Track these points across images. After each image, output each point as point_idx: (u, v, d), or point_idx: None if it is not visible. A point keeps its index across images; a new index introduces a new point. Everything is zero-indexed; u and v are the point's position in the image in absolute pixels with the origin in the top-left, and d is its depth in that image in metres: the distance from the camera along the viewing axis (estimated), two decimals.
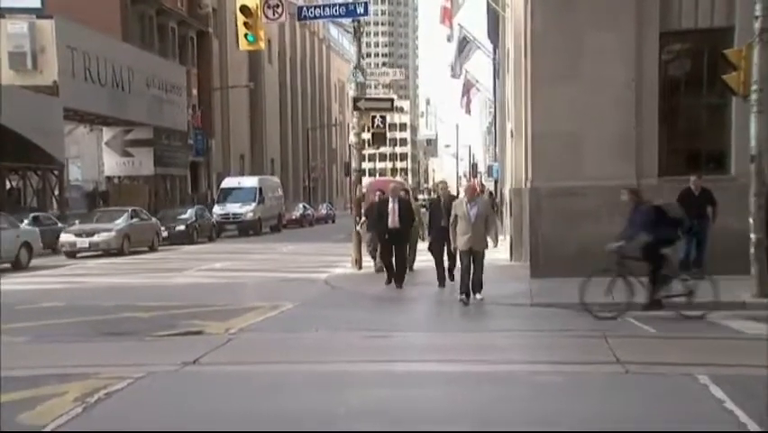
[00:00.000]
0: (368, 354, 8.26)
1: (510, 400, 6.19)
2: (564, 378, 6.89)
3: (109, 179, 37.76)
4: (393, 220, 13.48)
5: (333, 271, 16.90)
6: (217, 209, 34.97)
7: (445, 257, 13.27)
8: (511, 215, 18.92)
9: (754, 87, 10.88)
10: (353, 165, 21.80)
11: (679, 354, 7.74)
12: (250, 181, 38.02)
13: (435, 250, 13.33)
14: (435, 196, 16.35)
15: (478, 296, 11.56)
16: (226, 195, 36.07)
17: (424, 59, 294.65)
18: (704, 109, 14.10)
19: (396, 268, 13.50)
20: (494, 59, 36.08)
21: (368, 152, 58.88)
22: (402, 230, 13.56)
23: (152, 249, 25.65)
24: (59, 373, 7.03)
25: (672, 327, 9.39)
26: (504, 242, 20.20)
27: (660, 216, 10.16)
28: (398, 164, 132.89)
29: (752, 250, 10.93)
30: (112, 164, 37.49)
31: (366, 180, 23.07)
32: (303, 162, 68.69)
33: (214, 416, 5.81)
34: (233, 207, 34.95)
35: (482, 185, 53.74)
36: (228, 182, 38.16)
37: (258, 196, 35.70)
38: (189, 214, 30.27)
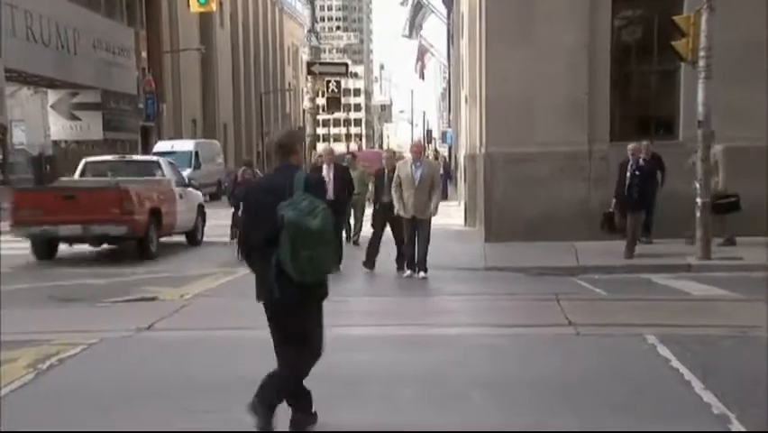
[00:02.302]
0: None
1: (460, 362, 6.27)
2: (516, 340, 7.00)
3: (56, 143, 36.74)
4: (328, 191, 12.04)
5: None
6: None
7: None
8: (465, 180, 19.05)
9: (701, 54, 11.06)
10: (307, 130, 21.63)
11: (628, 316, 7.94)
12: (184, 145, 34.62)
13: (378, 226, 11.54)
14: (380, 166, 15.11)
15: (421, 274, 10.60)
16: None
17: (378, 22, 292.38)
18: (654, 75, 14.33)
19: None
20: (448, 23, 35.98)
21: (322, 117, 58.43)
22: (337, 203, 11.10)
23: None
24: (10, 339, 6.89)
25: (621, 289, 9.62)
26: (459, 207, 20.39)
27: None
28: (353, 130, 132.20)
29: (698, 214, 11.22)
30: (58, 128, 36.41)
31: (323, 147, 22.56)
32: (256, 127, 67.77)
33: (169, 381, 5.79)
34: None
35: (437, 150, 53.91)
36: (160, 146, 34.85)
37: (194, 161, 33.02)
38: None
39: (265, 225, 4.20)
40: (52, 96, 36.03)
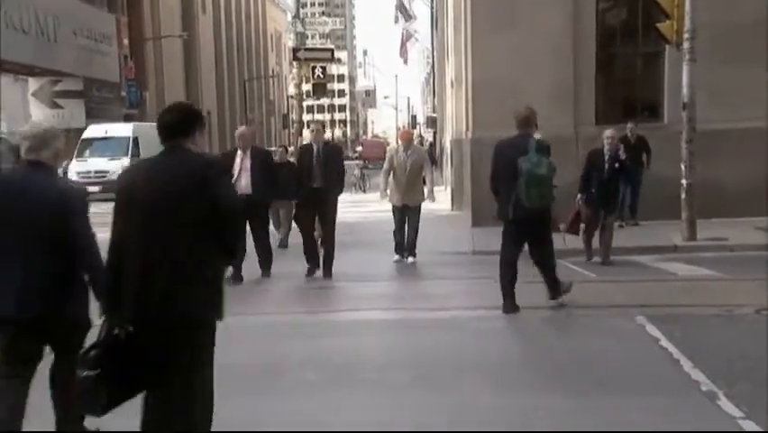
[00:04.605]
0: (310, 305, 8.31)
1: (450, 345, 6.32)
2: (507, 322, 7.06)
3: None
4: (244, 183, 9.21)
5: None
6: (76, 166, 26.75)
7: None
8: (452, 165, 19.06)
9: (686, 36, 11.10)
10: (293, 117, 21.60)
11: (617, 297, 7.99)
12: (121, 129, 29.57)
13: (302, 219, 9.94)
14: (307, 142, 11.72)
15: (410, 259, 10.61)
16: (88, 147, 28.33)
17: (360, 7, 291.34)
18: (639, 57, 14.37)
19: (259, 253, 9.67)
20: (432, 7, 35.91)
21: (306, 103, 58.28)
22: (258, 198, 9.27)
23: None
24: None
25: (610, 270, 9.67)
26: (445, 192, 20.40)
27: None
28: (337, 116, 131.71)
29: (683, 195, 11.30)
30: (40, 116, 35.76)
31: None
32: (240, 114, 67.44)
33: None
34: (97, 163, 26.58)
35: (421, 136, 53.94)
36: (92, 131, 29.33)
37: (131, 148, 27.49)
38: None
39: (508, 171, 6.92)
40: (33, 83, 35.65)
